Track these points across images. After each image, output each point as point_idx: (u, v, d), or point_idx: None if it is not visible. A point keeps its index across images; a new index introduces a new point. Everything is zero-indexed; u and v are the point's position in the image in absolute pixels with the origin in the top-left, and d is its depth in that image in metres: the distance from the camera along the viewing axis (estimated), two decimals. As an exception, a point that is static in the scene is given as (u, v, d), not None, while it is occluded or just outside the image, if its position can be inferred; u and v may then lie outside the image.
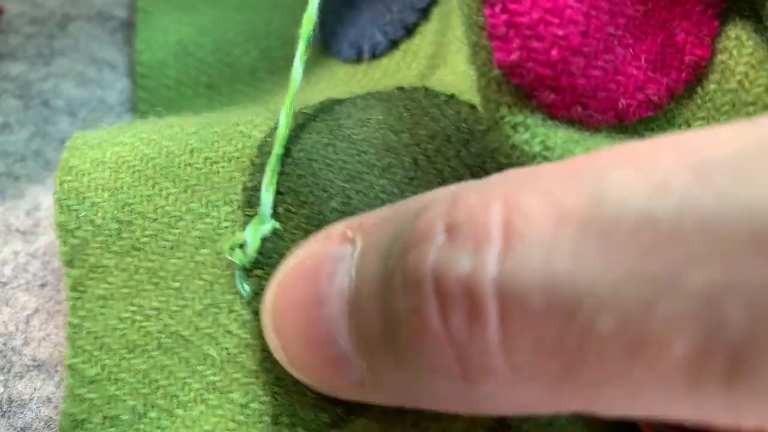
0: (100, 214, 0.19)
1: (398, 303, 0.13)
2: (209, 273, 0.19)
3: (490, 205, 0.11)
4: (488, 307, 0.11)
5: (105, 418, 0.18)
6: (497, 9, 0.15)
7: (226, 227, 0.19)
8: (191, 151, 0.20)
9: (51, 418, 0.19)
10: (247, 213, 0.19)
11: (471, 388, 0.13)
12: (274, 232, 0.19)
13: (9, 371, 0.20)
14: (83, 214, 0.19)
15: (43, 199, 0.23)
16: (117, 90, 0.26)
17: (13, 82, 0.26)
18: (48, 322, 0.20)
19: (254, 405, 0.18)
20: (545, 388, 0.12)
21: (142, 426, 0.18)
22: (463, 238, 0.12)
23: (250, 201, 0.19)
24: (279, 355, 0.17)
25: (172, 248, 0.19)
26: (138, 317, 0.19)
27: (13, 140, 0.25)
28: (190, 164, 0.20)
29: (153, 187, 0.20)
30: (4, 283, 0.21)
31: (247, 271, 0.19)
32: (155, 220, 0.19)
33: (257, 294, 0.18)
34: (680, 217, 0.10)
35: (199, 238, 0.19)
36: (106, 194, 0.19)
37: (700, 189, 0.10)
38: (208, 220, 0.19)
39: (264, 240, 0.19)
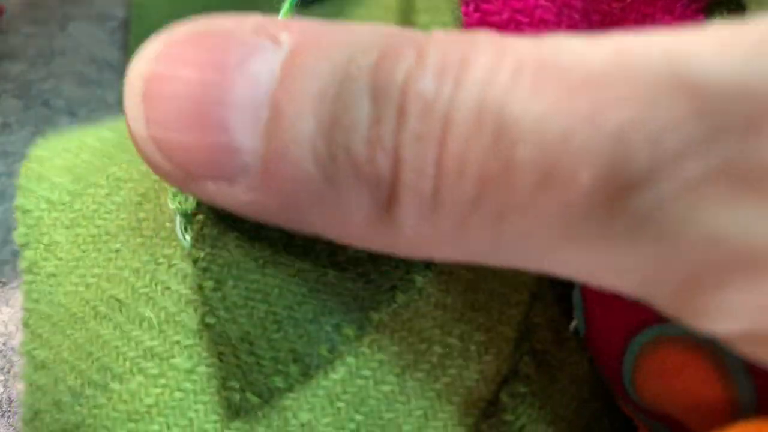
0: (56, 192, 0.19)
1: (352, 110, 0.14)
2: (150, 228, 0.18)
3: (455, 44, 0.13)
4: (434, 127, 0.13)
5: (52, 403, 0.17)
6: (471, 8, 0.15)
7: (166, 187, 0.18)
8: None
9: (51, 418, 0.19)
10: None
11: (387, 217, 0.14)
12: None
13: (9, 371, 0.20)
14: (41, 193, 0.19)
15: (43, 199, 0.23)
16: (117, 90, 0.26)
17: (13, 82, 0.26)
18: (48, 322, 0.20)
19: (201, 369, 0.16)
20: (454, 221, 0.13)
21: (78, 407, 0.17)
22: (431, 64, 0.13)
23: None
24: (136, 121, 0.15)
25: (117, 210, 0.18)
26: (81, 288, 0.18)
27: (13, 140, 0.25)
28: None
29: (109, 158, 0.19)
30: (4, 283, 0.21)
31: (189, 217, 0.17)
32: (104, 186, 0.18)
33: (197, 241, 0.17)
34: (610, 63, 0.11)
35: (142, 194, 0.18)
36: (64, 173, 0.19)
37: (631, 38, 0.11)
38: (153, 177, 0.18)
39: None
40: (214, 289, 0.17)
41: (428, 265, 0.17)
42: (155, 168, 0.15)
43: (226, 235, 0.17)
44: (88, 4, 0.28)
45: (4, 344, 0.20)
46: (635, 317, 0.15)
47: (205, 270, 0.17)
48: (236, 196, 0.15)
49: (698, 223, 0.11)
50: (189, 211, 0.17)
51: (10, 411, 0.19)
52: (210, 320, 0.17)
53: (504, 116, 0.12)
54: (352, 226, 0.14)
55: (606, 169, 0.11)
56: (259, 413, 0.17)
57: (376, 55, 0.13)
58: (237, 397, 0.17)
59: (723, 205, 0.11)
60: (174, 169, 0.15)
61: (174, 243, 0.17)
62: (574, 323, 0.17)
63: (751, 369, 0.14)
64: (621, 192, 0.11)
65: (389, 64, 0.13)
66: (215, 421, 0.17)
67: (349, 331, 0.17)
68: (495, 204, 0.12)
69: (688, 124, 0.11)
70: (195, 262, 0.17)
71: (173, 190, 0.17)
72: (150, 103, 0.15)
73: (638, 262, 0.12)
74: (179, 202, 0.17)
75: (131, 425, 0.17)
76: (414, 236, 0.14)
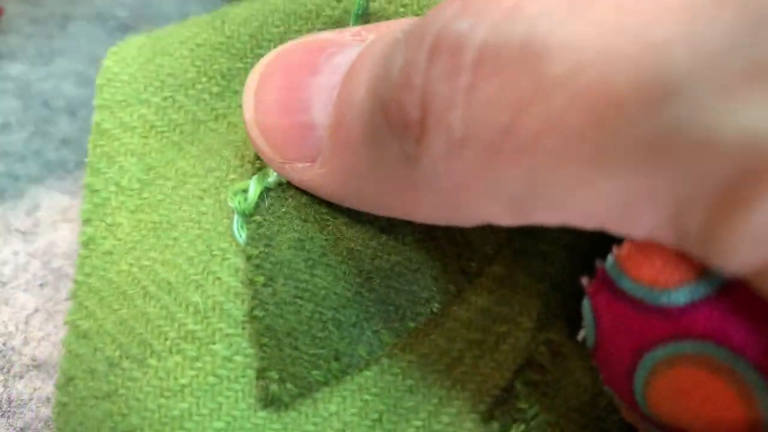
0: (126, 178, 0.20)
1: (389, 63, 0.14)
2: (209, 222, 0.19)
3: None
4: (467, 59, 0.12)
5: (88, 370, 0.17)
6: None
7: (233, 179, 0.19)
8: (216, 117, 0.20)
9: (51, 417, 0.19)
10: (257, 166, 0.19)
11: (417, 162, 0.14)
12: (279, 184, 0.18)
13: (9, 371, 0.20)
14: (110, 176, 0.20)
15: (43, 199, 0.23)
16: (117, 90, 0.26)
17: (13, 82, 0.26)
18: (47, 322, 0.20)
19: (238, 358, 0.17)
20: (486, 154, 0.13)
21: (113, 377, 0.17)
22: (472, 8, 0.13)
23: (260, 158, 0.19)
24: (248, 109, 0.17)
25: (180, 202, 0.19)
26: (134, 268, 0.18)
27: (13, 140, 0.25)
28: (214, 130, 0.20)
29: (178, 152, 0.20)
30: (4, 283, 0.21)
31: (246, 217, 0.18)
32: (171, 179, 0.20)
33: (253, 240, 0.18)
34: None
35: (204, 190, 0.19)
36: (134, 159, 0.20)
37: None
38: (217, 173, 0.19)
39: (267, 190, 0.18)
40: (265, 285, 0.18)
41: (466, 272, 0.18)
42: (260, 152, 0.17)
43: (279, 236, 0.18)
44: (88, 4, 0.28)
45: (4, 344, 0.20)
46: (648, 333, 0.15)
47: (257, 266, 0.18)
48: (316, 174, 0.17)
49: (735, 125, 0.10)
50: (246, 212, 0.18)
51: (9, 411, 0.19)
52: (258, 313, 0.17)
53: (541, 38, 0.12)
54: (394, 183, 0.15)
55: (644, 75, 0.11)
56: (292, 403, 0.18)
57: (422, 18, 0.14)
58: (275, 387, 0.17)
59: (760, 104, 0.10)
60: (272, 151, 0.17)
61: (229, 239, 0.18)
62: (582, 333, 0.17)
63: None
64: (658, 99, 0.11)
65: (431, 18, 0.14)
66: (244, 409, 0.17)
67: (387, 338, 0.18)
68: (528, 128, 0.12)
69: (730, 27, 0.10)
70: (249, 258, 0.18)
71: (234, 189, 0.18)
72: (258, 95, 0.17)
73: (675, 180, 0.11)
74: (239, 202, 0.18)
75: (162, 401, 0.17)
76: (444, 178, 0.14)
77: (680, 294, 0.14)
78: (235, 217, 0.18)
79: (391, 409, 0.18)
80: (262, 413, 0.18)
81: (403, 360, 0.18)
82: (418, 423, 0.18)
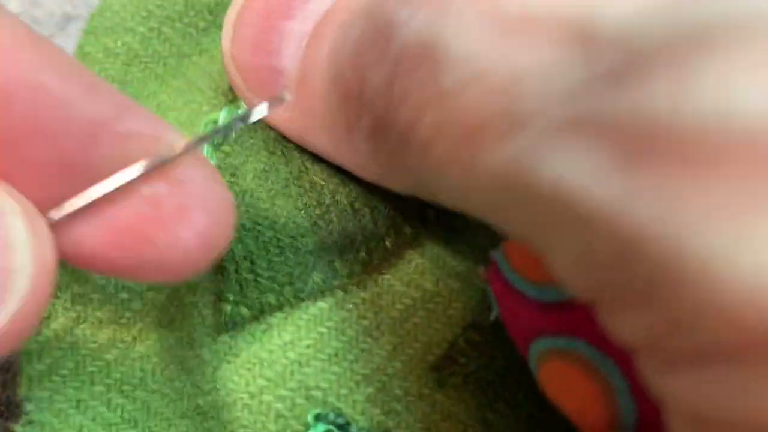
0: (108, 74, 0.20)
1: (351, 35, 0.15)
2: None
3: None
4: (394, 50, 0.14)
5: None
6: None
7: (207, 111, 0.20)
8: (200, 52, 0.20)
9: (51, 418, 0.19)
10: (229, 98, 0.20)
11: (357, 129, 0.15)
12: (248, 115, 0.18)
13: (9, 371, 0.20)
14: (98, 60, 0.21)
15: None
16: (117, 90, 0.26)
17: (13, 82, 0.26)
18: (48, 322, 0.20)
19: (204, 283, 0.19)
20: (394, 145, 0.14)
21: None
22: (412, 1, 0.14)
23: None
24: (226, 39, 0.18)
25: None
26: None
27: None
28: (196, 64, 0.20)
29: (160, 84, 0.20)
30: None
31: (215, 146, 0.19)
32: (153, 111, 0.19)
33: (219, 168, 0.19)
34: (542, 5, 0.12)
35: (182, 123, 0.20)
36: (115, 85, 0.20)
37: None
38: (194, 105, 0.20)
39: (236, 119, 0.18)
40: None
41: (423, 218, 0.19)
42: (234, 85, 0.18)
43: (245, 166, 0.19)
44: (88, 4, 0.28)
45: (4, 344, 0.20)
46: (531, 324, 0.16)
47: None
48: (280, 115, 0.18)
49: (550, 171, 0.11)
50: (215, 141, 0.19)
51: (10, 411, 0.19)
52: None
53: (445, 42, 0.13)
54: (340, 142, 0.16)
55: (504, 103, 0.11)
56: (247, 327, 0.18)
57: None
58: (229, 308, 0.18)
59: (570, 154, 0.10)
60: (244, 87, 0.18)
61: None
62: (493, 314, 0.18)
63: (634, 390, 0.14)
64: (508, 130, 0.11)
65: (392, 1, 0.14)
66: (204, 333, 0.18)
67: (341, 268, 0.19)
68: (425, 129, 0.13)
69: (574, 72, 0.11)
70: None
71: (206, 120, 0.19)
72: (236, 28, 0.17)
73: (517, 213, 0.12)
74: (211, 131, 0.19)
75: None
76: (372, 153, 0.15)
77: (552, 291, 0.15)
78: (205, 146, 0.19)
79: (347, 348, 0.19)
80: (222, 337, 0.18)
81: (358, 296, 0.19)
82: (373, 366, 0.18)
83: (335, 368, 0.18)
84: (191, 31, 0.21)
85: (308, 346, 0.19)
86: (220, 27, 0.20)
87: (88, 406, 0.17)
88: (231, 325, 0.18)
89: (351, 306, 0.19)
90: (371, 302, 0.19)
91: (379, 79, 0.14)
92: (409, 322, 0.19)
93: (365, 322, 0.19)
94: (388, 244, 0.19)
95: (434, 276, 0.19)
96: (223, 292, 0.18)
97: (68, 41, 0.27)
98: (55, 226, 0.13)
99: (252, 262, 0.18)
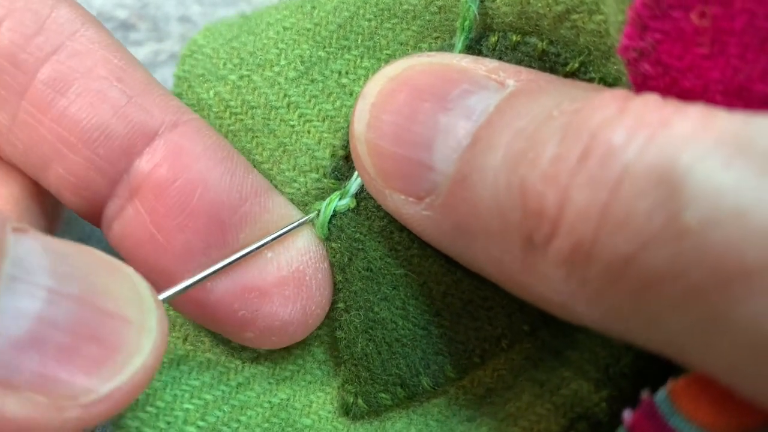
0: None
1: (539, 147, 0.14)
2: None
3: (660, 108, 0.13)
4: (611, 175, 0.13)
5: None
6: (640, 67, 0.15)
7: (313, 194, 0.19)
8: (288, 105, 0.20)
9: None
10: (331, 184, 0.19)
11: (540, 257, 0.14)
12: (354, 209, 0.19)
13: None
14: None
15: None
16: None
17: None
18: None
19: (331, 364, 0.20)
20: (595, 279, 0.13)
21: None
22: (629, 118, 0.13)
23: (337, 170, 0.19)
24: (360, 121, 0.17)
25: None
26: None
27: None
28: (284, 120, 0.20)
29: (252, 140, 0.20)
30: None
31: (326, 241, 0.19)
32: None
33: (333, 266, 0.19)
34: None
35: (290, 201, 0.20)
36: None
37: None
38: (296, 185, 0.20)
39: (338, 214, 0.19)
40: (344, 310, 0.19)
41: (544, 315, 0.17)
42: (360, 169, 0.17)
43: (352, 265, 0.19)
44: (88, 4, 0.28)
45: (3, 344, 0.20)
46: None
47: (338, 290, 0.19)
48: (418, 212, 0.16)
49: None
50: (320, 235, 0.19)
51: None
52: (339, 334, 0.19)
53: (686, 179, 0.11)
54: (505, 259, 0.15)
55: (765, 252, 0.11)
56: (365, 417, 0.19)
57: (580, 103, 0.14)
58: (351, 399, 0.19)
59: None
60: (376, 174, 0.17)
61: None
62: None
63: None
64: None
65: (589, 112, 0.13)
66: (330, 411, 0.19)
67: (452, 373, 0.18)
68: (648, 267, 0.12)
69: None
70: (333, 284, 0.19)
71: (315, 207, 0.19)
72: (375, 112, 0.16)
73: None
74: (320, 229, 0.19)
75: (266, 385, 0.19)
76: (555, 279, 0.14)
77: None
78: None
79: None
80: (340, 421, 0.19)
81: (470, 393, 0.19)
82: None
83: None
84: (280, 81, 0.20)
85: None
86: (311, 80, 0.20)
87: None
88: (354, 414, 0.19)
89: (463, 402, 0.19)
90: (482, 398, 0.19)
91: (588, 202, 0.13)
92: (512, 404, 0.19)
93: (470, 412, 0.19)
94: (503, 344, 0.18)
95: (547, 367, 0.18)
96: (346, 383, 0.19)
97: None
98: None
99: (368, 362, 0.18)
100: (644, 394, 0.15)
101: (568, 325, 0.17)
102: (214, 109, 0.20)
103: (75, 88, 0.18)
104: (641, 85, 0.14)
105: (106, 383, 0.14)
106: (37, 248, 0.14)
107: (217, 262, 0.18)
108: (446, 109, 0.15)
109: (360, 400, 0.18)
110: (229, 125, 0.20)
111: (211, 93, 0.20)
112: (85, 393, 0.14)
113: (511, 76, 0.15)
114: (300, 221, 0.19)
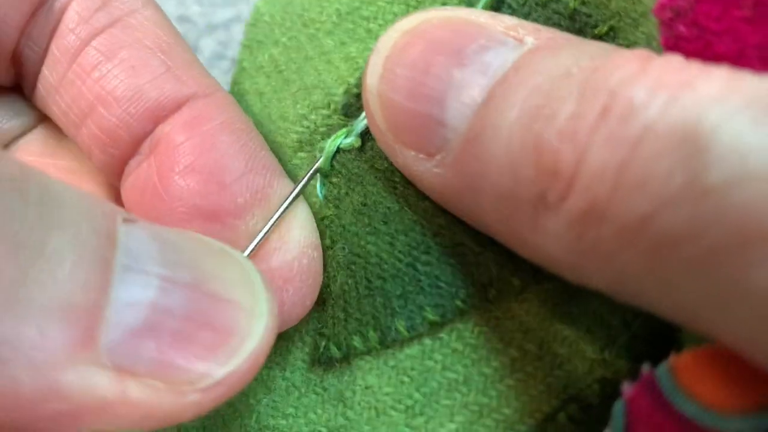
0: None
1: (556, 103, 0.13)
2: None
3: (683, 68, 0.12)
4: (631, 132, 0.12)
5: None
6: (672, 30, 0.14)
7: (321, 132, 0.19)
8: (320, 54, 0.20)
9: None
10: (340, 120, 0.19)
11: (552, 216, 0.13)
12: (358, 148, 0.18)
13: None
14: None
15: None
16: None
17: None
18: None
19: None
20: (609, 239, 0.13)
21: None
22: (650, 77, 0.12)
23: (347, 106, 0.19)
24: (373, 74, 0.16)
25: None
26: None
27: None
28: (314, 67, 0.20)
29: (284, 84, 0.20)
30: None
31: (326, 176, 0.19)
32: (267, 125, 0.20)
33: (327, 200, 0.18)
34: None
35: (298, 141, 0.20)
36: (256, 98, 0.21)
37: None
38: (305, 122, 0.19)
39: (342, 152, 0.18)
40: (328, 248, 0.18)
41: (536, 271, 0.17)
42: (371, 122, 0.17)
43: (347, 198, 0.18)
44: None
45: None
46: None
47: (327, 227, 0.18)
48: (428, 169, 0.16)
49: None
50: (323, 171, 0.19)
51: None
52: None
53: (712, 138, 0.11)
54: (516, 219, 0.14)
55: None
56: (336, 365, 0.18)
57: (600, 61, 0.13)
58: (323, 344, 0.18)
59: None
60: (387, 128, 0.16)
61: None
62: None
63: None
64: None
65: (610, 70, 0.13)
66: (305, 361, 0.19)
67: (431, 315, 0.17)
68: (666, 227, 0.12)
69: None
70: (321, 219, 0.18)
71: (321, 145, 0.19)
72: (389, 65, 0.16)
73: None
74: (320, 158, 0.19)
75: None
76: (567, 239, 0.13)
77: (741, 424, 0.13)
78: (318, 177, 0.19)
79: (427, 402, 0.18)
80: (313, 372, 0.18)
81: (447, 347, 0.18)
82: (452, 427, 0.17)
83: (411, 421, 0.18)
84: (320, 35, 0.20)
85: (387, 394, 0.18)
86: (345, 30, 0.19)
87: None
88: (324, 360, 0.18)
89: (439, 357, 0.18)
90: (462, 355, 0.18)
91: (605, 161, 0.12)
92: (502, 383, 0.17)
93: (452, 376, 0.18)
94: (490, 295, 0.17)
95: (539, 338, 0.17)
96: (320, 327, 0.18)
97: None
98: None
99: (345, 301, 0.18)
100: (645, 369, 0.14)
101: (561, 293, 0.17)
102: (265, 70, 0.21)
103: (122, 55, 0.19)
104: (673, 47, 0.14)
105: (221, 368, 0.14)
106: (146, 237, 0.15)
107: (207, 219, 0.18)
108: (461, 65, 0.15)
109: (331, 344, 0.18)
110: (274, 85, 0.20)
111: (266, 56, 0.21)
112: (202, 378, 0.14)
113: (530, 33, 0.15)
114: (310, 171, 0.19)
